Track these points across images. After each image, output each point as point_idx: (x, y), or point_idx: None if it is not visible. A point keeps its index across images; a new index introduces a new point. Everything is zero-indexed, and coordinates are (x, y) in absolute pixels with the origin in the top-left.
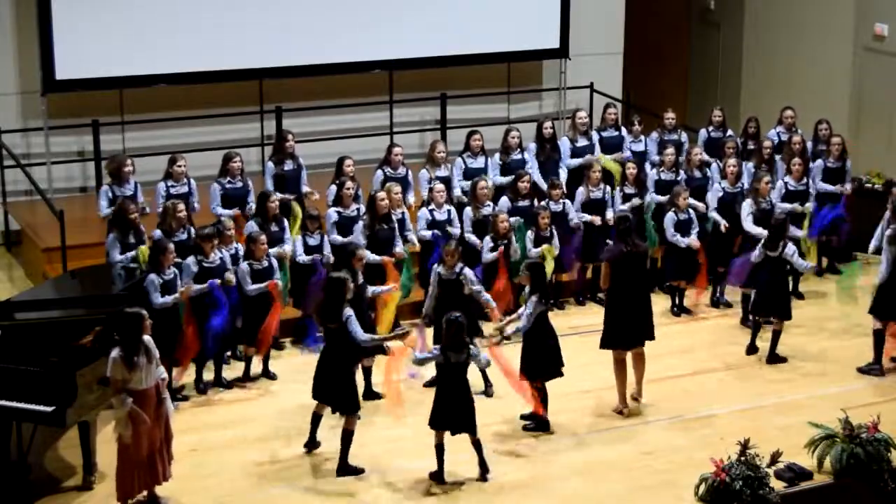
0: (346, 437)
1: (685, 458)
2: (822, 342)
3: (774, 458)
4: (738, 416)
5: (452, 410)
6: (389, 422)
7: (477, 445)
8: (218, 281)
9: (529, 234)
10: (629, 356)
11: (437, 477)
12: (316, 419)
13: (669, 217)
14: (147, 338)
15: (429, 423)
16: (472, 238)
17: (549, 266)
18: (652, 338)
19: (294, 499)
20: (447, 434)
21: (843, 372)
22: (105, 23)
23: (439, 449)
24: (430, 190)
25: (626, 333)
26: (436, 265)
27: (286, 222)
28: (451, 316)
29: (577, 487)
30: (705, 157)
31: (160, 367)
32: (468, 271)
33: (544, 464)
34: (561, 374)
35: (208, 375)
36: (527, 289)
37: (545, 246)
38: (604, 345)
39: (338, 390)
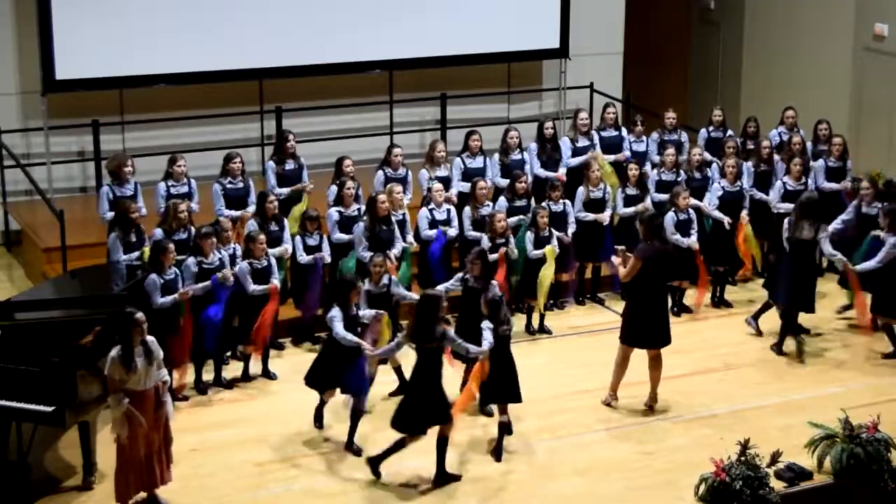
0: (444, 444)
1: (685, 458)
2: (821, 342)
3: (774, 458)
4: (738, 416)
5: (502, 382)
6: (388, 423)
7: (502, 427)
8: (219, 275)
9: (529, 235)
10: (646, 359)
11: (497, 453)
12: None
13: (669, 217)
14: (150, 339)
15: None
16: (473, 233)
17: (550, 268)
18: (669, 342)
19: (294, 499)
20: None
21: (842, 372)
22: (105, 23)
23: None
24: (429, 190)
25: (648, 333)
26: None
27: (285, 222)
28: (495, 297)
29: (577, 487)
30: (707, 156)
31: (162, 369)
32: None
33: (544, 464)
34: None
35: (208, 375)
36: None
37: (547, 247)
38: (624, 340)
39: (439, 404)
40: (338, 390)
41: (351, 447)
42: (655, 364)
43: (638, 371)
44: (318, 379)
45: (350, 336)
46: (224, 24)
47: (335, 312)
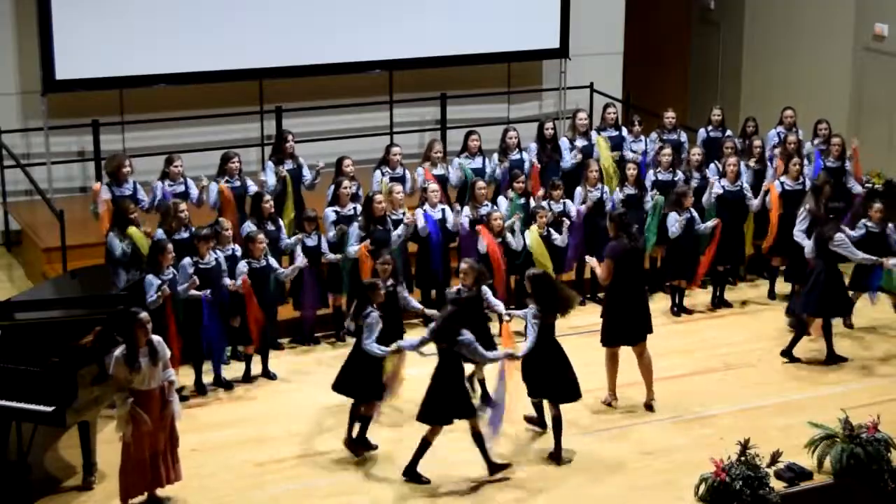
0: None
1: (685, 458)
2: (821, 342)
3: (774, 458)
4: (738, 416)
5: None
6: (389, 422)
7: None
8: (209, 297)
9: (528, 234)
10: (631, 355)
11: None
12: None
13: (672, 216)
14: (157, 339)
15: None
16: (465, 221)
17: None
18: (651, 331)
19: (294, 499)
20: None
21: (843, 372)
22: (105, 23)
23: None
24: (425, 190)
25: (627, 329)
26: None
27: (281, 222)
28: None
29: (577, 487)
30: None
31: (168, 369)
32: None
33: (544, 463)
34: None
35: (208, 376)
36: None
37: (534, 229)
38: (606, 342)
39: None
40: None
41: (496, 467)
42: (642, 361)
43: (637, 371)
44: (433, 413)
45: (498, 352)
46: (224, 24)
47: (468, 335)
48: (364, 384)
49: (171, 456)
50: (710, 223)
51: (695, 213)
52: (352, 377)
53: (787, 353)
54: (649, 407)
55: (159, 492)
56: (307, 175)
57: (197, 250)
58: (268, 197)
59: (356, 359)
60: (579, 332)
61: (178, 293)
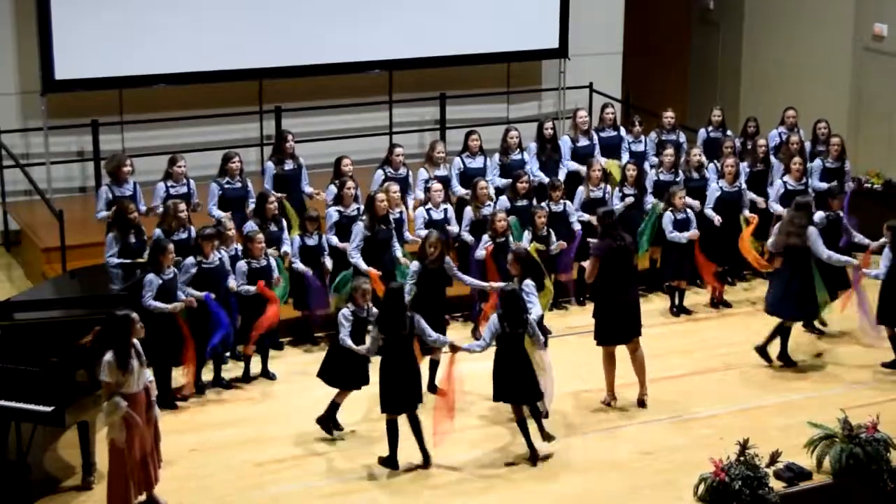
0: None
1: (685, 458)
2: (821, 343)
3: (774, 458)
4: (738, 416)
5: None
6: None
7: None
8: (213, 295)
9: (526, 234)
10: (626, 354)
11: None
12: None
13: (667, 217)
14: (135, 340)
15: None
16: (467, 237)
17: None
18: (639, 333)
19: (294, 499)
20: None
21: (842, 372)
22: (105, 23)
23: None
24: (427, 189)
25: (619, 328)
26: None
27: (285, 222)
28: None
29: (578, 487)
30: (703, 158)
31: (148, 370)
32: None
33: (544, 463)
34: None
35: (207, 375)
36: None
37: (533, 244)
38: (600, 341)
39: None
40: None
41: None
42: (635, 358)
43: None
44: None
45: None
46: (224, 24)
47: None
48: (526, 385)
49: (157, 456)
50: (686, 235)
51: (691, 215)
52: (513, 381)
53: (811, 323)
54: (641, 403)
55: (156, 492)
56: (307, 188)
57: (201, 250)
58: (272, 197)
59: (510, 362)
60: (577, 332)
61: (177, 296)
